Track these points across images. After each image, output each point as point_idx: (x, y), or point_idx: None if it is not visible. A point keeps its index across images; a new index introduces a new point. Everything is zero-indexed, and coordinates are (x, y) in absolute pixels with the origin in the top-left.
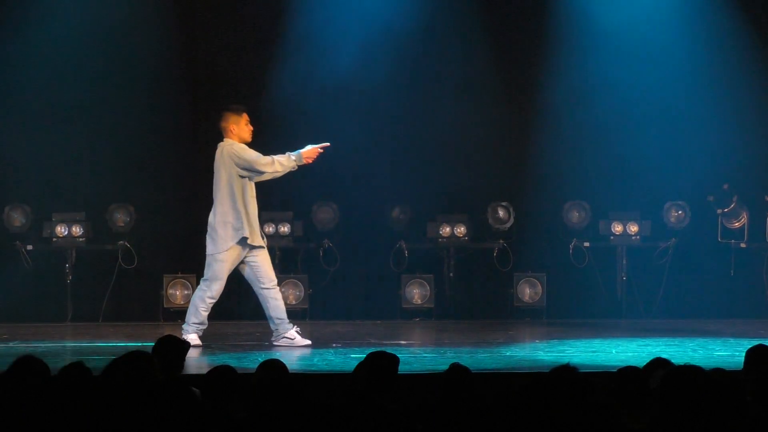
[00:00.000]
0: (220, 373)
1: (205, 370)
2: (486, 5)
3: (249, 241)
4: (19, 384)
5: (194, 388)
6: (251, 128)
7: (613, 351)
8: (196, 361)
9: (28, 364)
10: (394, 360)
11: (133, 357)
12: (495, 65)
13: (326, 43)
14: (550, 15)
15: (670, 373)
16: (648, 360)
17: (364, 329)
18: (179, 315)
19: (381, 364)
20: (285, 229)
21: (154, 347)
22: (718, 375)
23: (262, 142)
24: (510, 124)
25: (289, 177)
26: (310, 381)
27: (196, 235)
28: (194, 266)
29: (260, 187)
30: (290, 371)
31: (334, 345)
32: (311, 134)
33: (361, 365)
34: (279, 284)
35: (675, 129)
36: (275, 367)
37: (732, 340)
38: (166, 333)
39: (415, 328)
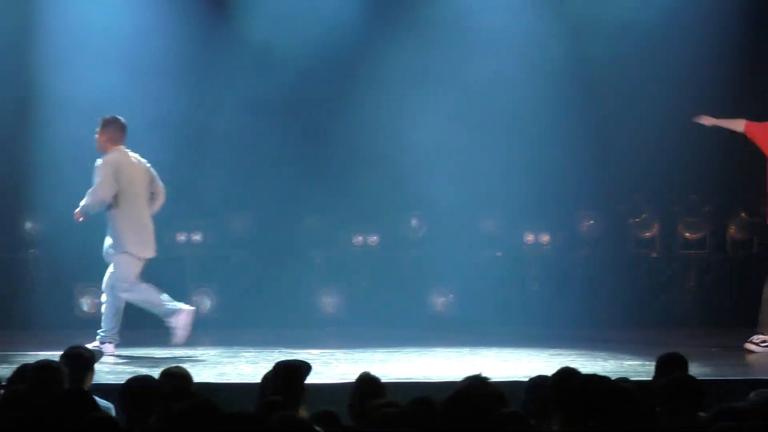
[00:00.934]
0: (137, 383)
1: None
2: None
3: None
4: None
5: (104, 400)
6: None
7: (524, 360)
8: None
9: None
10: (303, 368)
11: (40, 366)
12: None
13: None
14: None
15: (578, 383)
16: (557, 370)
17: (276, 337)
18: (91, 324)
19: (290, 372)
20: (197, 237)
21: (61, 357)
22: (626, 384)
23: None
24: None
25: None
26: (220, 391)
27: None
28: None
29: (172, 193)
30: (204, 382)
31: (244, 354)
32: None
33: (270, 374)
34: (192, 294)
35: (586, 138)
36: (177, 374)
37: (642, 350)
38: (75, 343)
39: (328, 337)
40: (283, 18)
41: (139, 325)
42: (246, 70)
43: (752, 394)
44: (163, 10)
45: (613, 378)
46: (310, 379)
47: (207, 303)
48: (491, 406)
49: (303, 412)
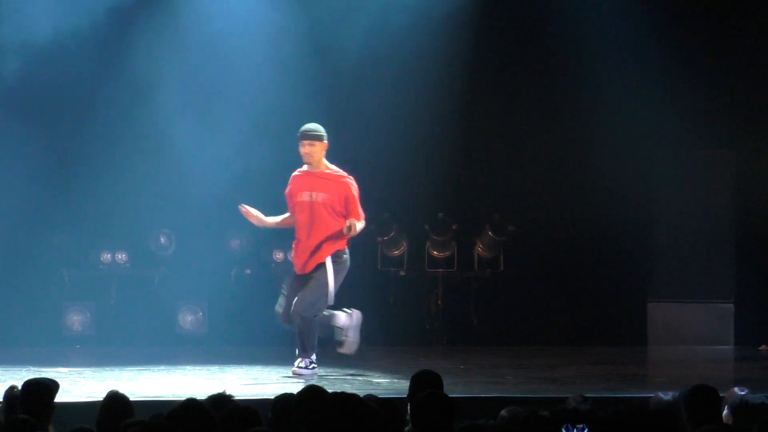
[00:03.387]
0: None
1: None
2: None
3: None
4: None
5: None
6: None
7: (273, 378)
8: None
9: None
10: (51, 387)
11: None
12: None
13: None
14: None
15: (323, 400)
16: (303, 387)
17: (24, 355)
18: None
19: (38, 390)
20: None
21: None
22: (373, 401)
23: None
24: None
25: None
26: None
27: None
28: None
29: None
30: None
31: None
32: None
33: (16, 392)
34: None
35: (337, 154)
36: None
37: (390, 367)
38: None
39: (77, 355)
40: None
41: None
42: None
43: (503, 411)
44: None
45: (361, 396)
46: (58, 398)
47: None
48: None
49: (51, 431)
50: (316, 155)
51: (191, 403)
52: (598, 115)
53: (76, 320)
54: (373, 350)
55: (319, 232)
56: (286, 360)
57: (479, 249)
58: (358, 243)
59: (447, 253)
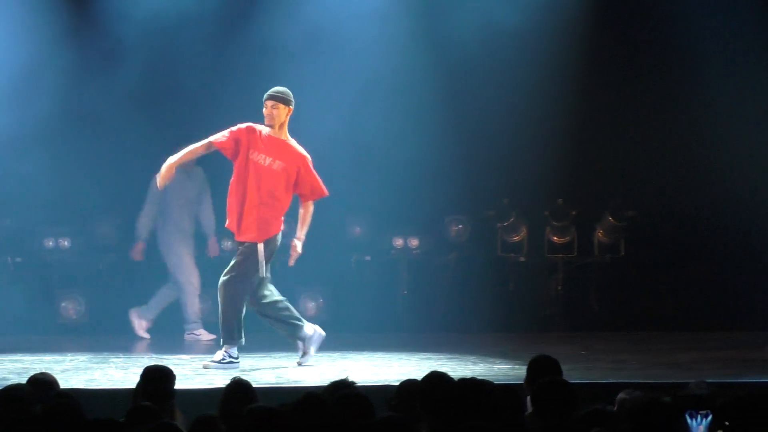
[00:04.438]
0: (10, 391)
1: None
2: None
3: None
4: None
5: None
6: None
7: (394, 365)
8: None
9: None
10: (171, 374)
11: None
12: None
13: None
14: None
15: (448, 387)
16: (427, 374)
17: (146, 343)
18: None
19: (158, 377)
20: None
21: None
22: (494, 387)
23: None
24: None
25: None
26: (90, 397)
27: None
28: None
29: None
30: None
31: (113, 360)
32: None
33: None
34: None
35: (455, 142)
36: (43, 381)
37: (511, 353)
38: None
39: (197, 343)
40: None
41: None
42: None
43: (622, 393)
44: None
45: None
46: (179, 385)
47: (75, 309)
48: (359, 409)
49: (177, 417)
50: (278, 119)
51: (312, 396)
52: (721, 96)
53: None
54: (493, 336)
55: (269, 200)
56: (407, 346)
57: (599, 234)
58: (477, 229)
59: (567, 239)
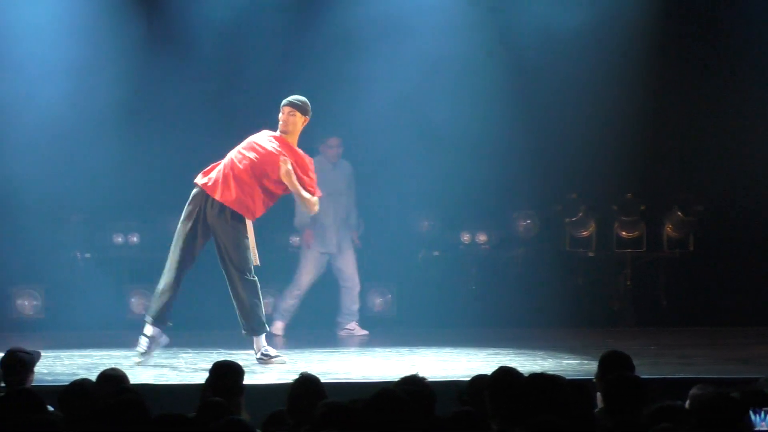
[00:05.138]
0: (76, 385)
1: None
2: None
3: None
4: None
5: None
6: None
7: (462, 360)
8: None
9: None
10: (240, 369)
11: None
12: None
13: None
14: None
15: (517, 382)
16: (496, 369)
17: (214, 338)
18: (28, 325)
19: (227, 373)
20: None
21: (0, 360)
22: (564, 382)
23: None
24: None
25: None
26: (159, 392)
27: (45, 245)
28: (42, 277)
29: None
30: (143, 383)
31: (183, 355)
32: None
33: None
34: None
35: (523, 137)
36: (113, 376)
37: (579, 349)
38: (14, 345)
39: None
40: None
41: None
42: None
43: (694, 389)
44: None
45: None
46: (248, 380)
47: (144, 304)
48: (426, 405)
49: (245, 414)
50: (293, 126)
51: (387, 392)
52: None
53: (265, 303)
54: (562, 331)
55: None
56: (475, 342)
57: (668, 229)
58: (545, 224)
59: (636, 234)
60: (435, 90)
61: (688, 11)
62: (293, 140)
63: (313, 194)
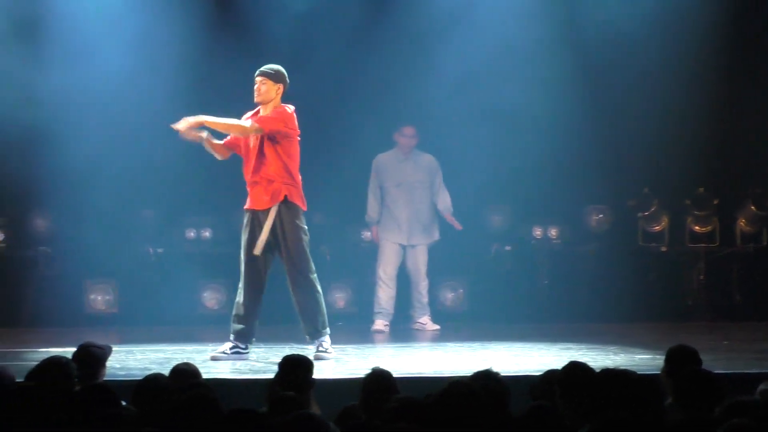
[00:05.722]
0: (149, 380)
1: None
2: None
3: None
4: None
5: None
6: None
7: (534, 355)
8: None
9: None
10: (309, 363)
11: (49, 364)
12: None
13: None
14: None
15: (588, 377)
16: (566, 364)
17: (287, 333)
18: (101, 320)
19: (297, 367)
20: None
21: (73, 354)
22: (635, 376)
23: None
24: None
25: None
26: (233, 387)
27: (117, 240)
28: (115, 272)
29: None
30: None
31: (255, 350)
32: None
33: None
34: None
35: (595, 132)
36: (186, 371)
37: (652, 344)
38: (86, 339)
39: (339, 332)
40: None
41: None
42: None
43: (762, 385)
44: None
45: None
46: (319, 375)
47: (217, 299)
48: (500, 399)
49: (315, 407)
50: (266, 95)
51: (459, 386)
52: None
53: (338, 297)
54: (634, 326)
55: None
56: (547, 336)
57: (741, 223)
58: (618, 218)
59: (709, 228)
60: (508, 84)
61: (763, 2)
62: (271, 108)
63: (256, 125)
